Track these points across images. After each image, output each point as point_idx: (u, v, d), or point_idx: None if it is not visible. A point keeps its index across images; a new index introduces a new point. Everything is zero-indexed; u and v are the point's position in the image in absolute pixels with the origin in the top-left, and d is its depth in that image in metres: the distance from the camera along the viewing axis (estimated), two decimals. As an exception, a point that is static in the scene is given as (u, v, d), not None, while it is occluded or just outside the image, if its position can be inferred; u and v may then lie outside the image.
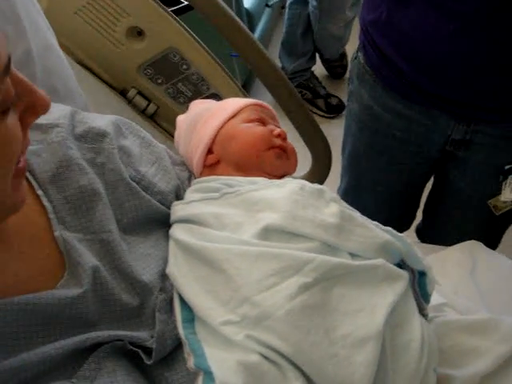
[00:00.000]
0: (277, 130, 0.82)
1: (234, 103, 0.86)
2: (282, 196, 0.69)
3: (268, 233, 0.65)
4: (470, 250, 1.18)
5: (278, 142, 0.81)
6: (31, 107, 0.51)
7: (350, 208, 0.72)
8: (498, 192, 1.23)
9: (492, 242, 1.25)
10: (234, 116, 0.84)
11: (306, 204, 0.68)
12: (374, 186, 1.43)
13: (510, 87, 1.06)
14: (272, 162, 0.80)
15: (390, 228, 0.70)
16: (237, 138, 0.81)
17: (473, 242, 1.20)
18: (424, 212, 1.56)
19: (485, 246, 1.20)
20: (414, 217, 1.60)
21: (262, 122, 0.84)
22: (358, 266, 0.63)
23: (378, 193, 1.43)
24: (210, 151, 0.83)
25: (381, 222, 0.72)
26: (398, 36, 1.11)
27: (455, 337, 0.78)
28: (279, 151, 0.81)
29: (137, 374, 0.58)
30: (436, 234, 1.51)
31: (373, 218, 0.73)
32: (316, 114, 2.96)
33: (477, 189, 1.28)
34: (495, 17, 0.96)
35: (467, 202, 1.33)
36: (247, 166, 0.80)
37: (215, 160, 0.83)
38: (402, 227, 1.52)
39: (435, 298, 0.91)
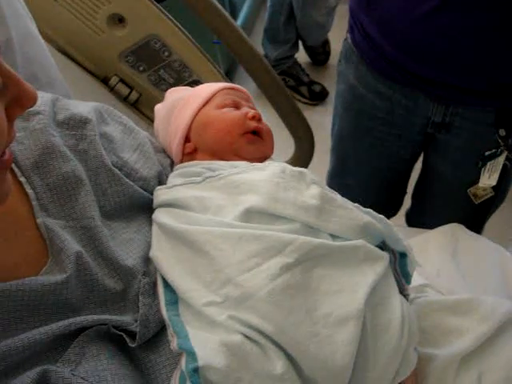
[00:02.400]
0: (251, 112, 0.82)
1: (207, 89, 0.86)
2: (263, 178, 0.69)
3: (250, 215, 0.65)
4: (452, 233, 1.19)
5: (253, 124, 0.81)
6: (18, 100, 0.50)
7: (331, 190, 0.73)
8: (478, 180, 1.24)
9: (475, 229, 1.26)
10: (207, 102, 0.84)
11: (287, 186, 0.68)
12: (358, 169, 1.44)
13: (484, 69, 1.07)
14: (246, 147, 0.80)
15: (370, 210, 0.71)
16: (211, 126, 0.81)
17: (455, 224, 1.22)
18: (412, 197, 1.57)
19: (466, 229, 1.22)
20: (400, 203, 1.61)
21: (236, 105, 0.84)
22: (338, 247, 0.64)
23: (362, 176, 1.44)
24: (187, 139, 0.83)
25: (366, 207, 0.73)
26: (380, 15, 1.13)
27: (437, 317, 0.79)
28: (252, 137, 0.81)
29: (121, 357, 0.59)
30: (422, 219, 1.52)
31: (358, 202, 0.73)
32: (299, 101, 2.95)
33: (457, 175, 1.30)
34: None
35: (449, 188, 1.35)
36: (223, 152, 0.80)
37: (193, 148, 0.83)
38: (388, 212, 1.52)
39: (417, 279, 0.92)
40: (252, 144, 0.81)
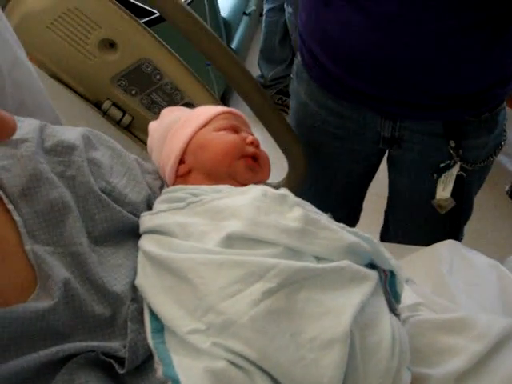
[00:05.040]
0: (249, 138, 0.82)
1: (206, 111, 0.86)
2: (244, 203, 0.69)
3: (231, 240, 0.65)
4: (447, 249, 1.18)
5: (251, 149, 0.82)
6: None
7: (317, 211, 0.72)
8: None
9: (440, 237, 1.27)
10: (205, 124, 0.84)
11: (268, 210, 0.68)
12: (313, 183, 1.44)
13: (424, 83, 1.07)
14: (243, 172, 0.80)
15: (356, 230, 0.70)
16: (208, 147, 0.81)
17: (450, 241, 1.21)
18: (384, 214, 1.58)
19: (462, 245, 1.21)
20: (356, 219, 1.62)
21: (235, 129, 0.84)
22: (322, 269, 0.63)
23: (317, 189, 1.45)
24: (181, 161, 0.83)
25: None
26: (321, 35, 1.14)
27: (431, 335, 0.78)
28: (251, 162, 0.81)
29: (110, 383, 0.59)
30: (388, 236, 1.53)
31: None
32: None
33: (416, 189, 1.31)
34: (403, 12, 0.98)
35: (410, 201, 1.36)
36: (219, 174, 0.80)
37: (187, 169, 0.83)
38: None
39: (411, 298, 0.91)
40: (250, 170, 0.81)
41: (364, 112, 1.21)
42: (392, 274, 0.71)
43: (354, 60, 1.09)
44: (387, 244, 1.17)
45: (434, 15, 0.97)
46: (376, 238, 0.74)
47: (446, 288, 1.08)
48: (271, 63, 3.04)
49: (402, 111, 1.15)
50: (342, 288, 0.63)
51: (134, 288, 0.67)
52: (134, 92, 1.31)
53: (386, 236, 1.58)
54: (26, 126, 0.72)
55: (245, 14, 3.30)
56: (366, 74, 1.11)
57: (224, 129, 0.83)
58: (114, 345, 0.60)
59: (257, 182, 0.82)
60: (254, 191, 0.72)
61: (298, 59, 1.34)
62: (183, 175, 0.83)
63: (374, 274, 0.67)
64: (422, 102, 1.11)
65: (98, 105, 1.34)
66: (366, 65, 1.08)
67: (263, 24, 2.97)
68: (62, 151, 0.71)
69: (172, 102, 1.31)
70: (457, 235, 1.43)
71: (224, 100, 2.98)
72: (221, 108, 0.88)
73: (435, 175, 1.23)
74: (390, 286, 0.71)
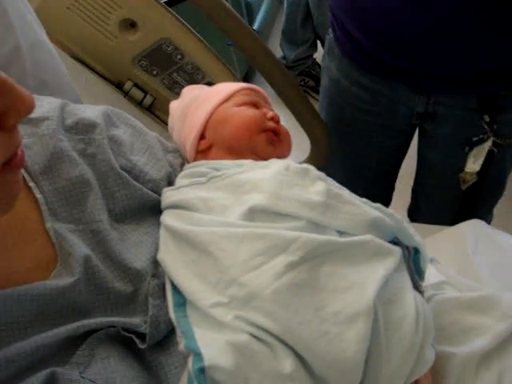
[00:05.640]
0: (270, 113, 0.82)
1: (227, 87, 0.86)
2: (266, 177, 0.68)
3: (253, 214, 0.64)
4: (471, 229, 1.17)
5: (271, 124, 0.81)
6: (13, 107, 0.46)
7: (338, 186, 0.72)
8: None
9: (464, 216, 1.26)
10: (226, 100, 0.84)
11: (290, 183, 0.68)
12: (343, 162, 1.44)
13: (459, 57, 1.07)
14: (264, 145, 0.80)
15: (379, 205, 0.70)
16: (229, 121, 0.81)
17: (475, 220, 1.20)
18: (412, 192, 1.57)
19: (487, 225, 1.20)
20: (389, 199, 1.61)
21: (255, 105, 0.84)
22: (345, 243, 0.62)
23: (349, 168, 1.45)
24: (202, 136, 0.83)
25: None
26: (357, 11, 1.14)
27: (455, 314, 0.77)
28: (271, 135, 0.81)
29: (131, 359, 0.59)
30: (420, 213, 1.52)
31: None
32: (319, 100, 2.94)
33: (447, 162, 1.30)
34: None
35: (441, 176, 1.35)
36: (240, 149, 0.80)
37: (208, 145, 0.83)
38: None
39: (435, 276, 0.90)
40: (271, 144, 0.81)
41: (397, 87, 1.20)
42: (415, 251, 0.70)
43: (389, 34, 1.09)
44: (411, 224, 1.16)
45: None
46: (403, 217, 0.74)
47: (470, 268, 1.07)
48: (293, 44, 3.01)
49: (437, 85, 1.14)
50: (366, 262, 0.63)
51: (154, 264, 0.67)
52: (155, 72, 1.31)
53: (414, 215, 1.57)
54: (47, 105, 0.72)
55: (266, -5, 3.28)
56: (400, 48, 1.10)
57: (245, 104, 0.83)
58: (134, 320, 0.61)
59: (278, 158, 0.81)
60: (276, 165, 0.72)
61: (329, 35, 1.33)
62: (204, 150, 0.83)
63: (397, 249, 0.67)
64: (458, 76, 1.10)
65: (119, 86, 1.35)
66: (401, 38, 1.08)
67: (285, 5, 2.95)
68: (82, 129, 0.71)
69: (193, 82, 1.31)
70: (484, 214, 1.42)
71: (246, 81, 2.97)
72: (241, 84, 0.87)
73: (467, 148, 1.22)
74: (413, 263, 0.70)
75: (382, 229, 0.67)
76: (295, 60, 3.04)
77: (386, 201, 1.60)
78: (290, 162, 0.73)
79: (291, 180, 0.68)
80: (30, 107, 0.47)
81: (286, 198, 0.65)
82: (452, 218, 1.30)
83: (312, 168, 0.72)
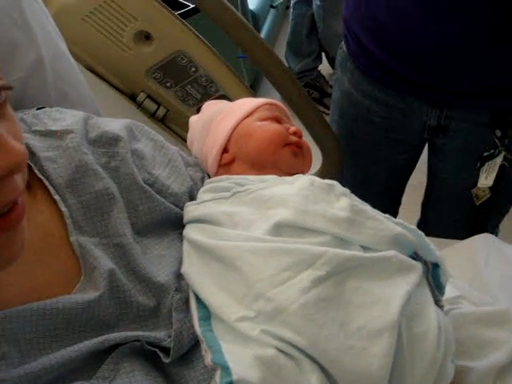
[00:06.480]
0: (292, 128, 0.84)
1: (249, 102, 0.87)
2: (292, 192, 0.69)
3: (279, 229, 0.65)
4: (482, 243, 1.18)
5: (294, 139, 0.82)
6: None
7: (361, 201, 0.72)
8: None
9: (476, 232, 1.26)
10: (249, 115, 0.85)
11: (316, 199, 0.68)
12: (354, 176, 1.45)
13: (473, 71, 1.08)
14: (288, 159, 0.81)
15: (401, 220, 0.70)
16: (253, 136, 0.82)
17: (485, 234, 1.20)
18: (422, 207, 1.57)
19: (497, 239, 1.20)
20: (396, 213, 1.61)
21: (278, 120, 0.85)
22: (369, 258, 0.63)
23: (357, 182, 1.45)
24: (224, 150, 0.84)
25: None
26: (373, 24, 1.14)
27: (472, 328, 0.77)
28: (295, 148, 0.82)
29: (155, 373, 0.59)
30: (429, 227, 1.52)
31: None
32: (324, 112, 2.95)
33: (459, 177, 1.30)
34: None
35: (454, 192, 1.35)
36: (263, 163, 0.81)
37: (230, 159, 0.83)
38: None
39: (450, 291, 0.91)
40: (295, 157, 0.82)
41: (410, 101, 1.21)
42: (434, 266, 0.71)
43: (404, 47, 1.10)
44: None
45: (486, 3, 0.97)
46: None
47: (482, 282, 1.07)
48: (298, 56, 3.03)
49: (450, 99, 1.15)
50: (389, 278, 0.63)
51: (177, 278, 0.67)
52: (168, 84, 1.32)
53: (423, 229, 1.57)
54: (70, 118, 0.73)
55: (272, 6, 3.31)
56: (415, 62, 1.11)
57: (267, 119, 0.84)
58: (158, 334, 0.61)
59: (298, 172, 0.82)
60: (301, 181, 0.72)
61: (341, 49, 1.34)
62: (226, 164, 0.83)
63: (418, 264, 0.67)
64: (471, 90, 1.11)
65: (132, 97, 1.35)
66: (416, 52, 1.09)
67: (290, 17, 2.97)
68: (106, 142, 0.71)
69: (206, 95, 1.32)
70: (493, 228, 1.42)
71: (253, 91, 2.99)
72: (264, 100, 0.88)
73: (478, 163, 1.23)
74: (432, 278, 0.71)
75: (403, 244, 0.68)
76: (300, 72, 3.05)
77: (392, 215, 1.60)
78: (314, 178, 0.73)
79: (317, 196, 0.69)
80: (21, 162, 0.44)
81: (312, 213, 0.66)
82: (463, 232, 1.30)
83: (336, 184, 0.73)
